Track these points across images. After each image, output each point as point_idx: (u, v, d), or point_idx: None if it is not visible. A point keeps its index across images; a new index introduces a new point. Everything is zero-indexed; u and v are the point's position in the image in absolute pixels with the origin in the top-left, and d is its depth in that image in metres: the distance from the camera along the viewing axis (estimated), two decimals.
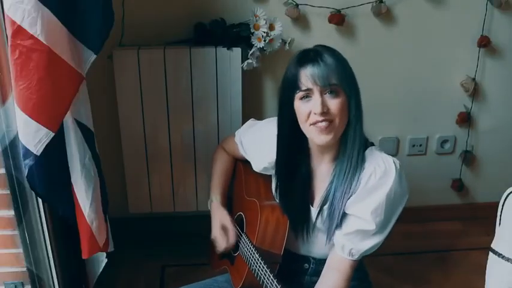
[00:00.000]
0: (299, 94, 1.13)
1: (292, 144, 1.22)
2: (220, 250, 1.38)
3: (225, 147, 1.53)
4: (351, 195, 1.17)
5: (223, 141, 1.56)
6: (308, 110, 1.13)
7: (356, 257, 1.18)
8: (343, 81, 1.12)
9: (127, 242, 1.82)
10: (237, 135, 1.45)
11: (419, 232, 2.22)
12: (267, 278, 1.18)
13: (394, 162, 1.16)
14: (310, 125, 1.14)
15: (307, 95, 1.13)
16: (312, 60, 1.11)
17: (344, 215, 1.18)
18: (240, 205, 1.44)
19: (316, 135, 1.14)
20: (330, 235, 1.22)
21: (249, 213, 1.36)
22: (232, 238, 1.36)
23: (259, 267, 1.21)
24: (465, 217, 2.29)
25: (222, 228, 1.38)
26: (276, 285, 1.14)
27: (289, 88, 1.15)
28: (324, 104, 1.11)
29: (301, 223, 1.27)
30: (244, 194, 1.41)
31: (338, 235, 1.19)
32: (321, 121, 1.12)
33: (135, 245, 2.05)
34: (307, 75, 1.11)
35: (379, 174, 1.14)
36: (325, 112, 1.11)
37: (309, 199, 1.26)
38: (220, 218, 1.40)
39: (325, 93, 1.12)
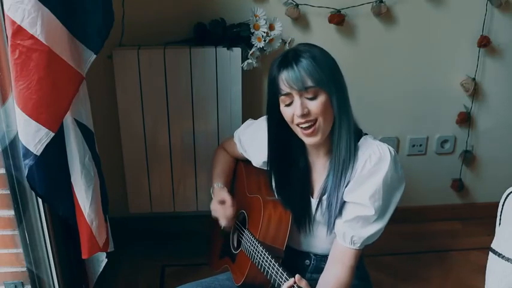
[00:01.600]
0: (282, 98, 1.17)
1: (283, 141, 1.25)
2: (223, 223, 1.38)
3: (225, 148, 1.55)
4: (347, 184, 1.19)
5: (223, 142, 1.58)
6: (292, 113, 1.16)
7: (358, 245, 1.19)
8: (320, 82, 1.13)
9: (127, 242, 1.82)
10: (236, 134, 1.48)
11: (419, 232, 2.22)
12: (272, 267, 1.19)
13: (388, 148, 1.18)
14: (297, 125, 1.17)
15: (289, 99, 1.16)
16: (287, 65, 1.14)
17: (343, 203, 1.20)
18: (242, 203, 1.44)
19: (303, 137, 1.19)
20: (330, 226, 1.23)
21: (251, 210, 1.37)
22: (228, 204, 1.36)
23: (264, 258, 1.22)
24: (465, 217, 2.29)
25: (220, 202, 1.39)
26: (281, 272, 1.16)
27: (272, 91, 1.19)
28: (303, 106, 1.14)
29: (302, 215, 1.28)
30: (246, 192, 1.42)
31: (339, 223, 1.21)
32: (304, 122, 1.15)
33: (135, 245, 2.05)
34: (283, 81, 1.15)
35: (374, 160, 1.16)
36: (305, 114, 1.14)
37: (309, 191, 1.28)
38: (220, 194, 1.40)
39: (304, 96, 1.14)
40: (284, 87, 1.15)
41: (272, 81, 1.18)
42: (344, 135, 1.18)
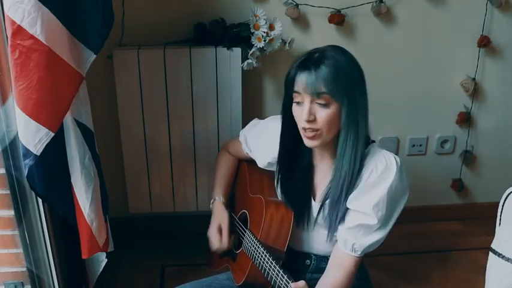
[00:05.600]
0: (294, 95, 1.17)
1: (294, 138, 1.24)
2: (213, 249, 1.41)
3: (229, 149, 1.55)
4: (351, 192, 1.18)
5: (227, 143, 1.58)
6: (300, 113, 1.16)
7: (359, 253, 1.19)
8: (335, 92, 1.12)
9: (127, 242, 1.82)
10: (241, 134, 1.47)
11: (419, 232, 2.22)
12: (273, 268, 1.19)
13: (395, 158, 1.18)
14: (301, 128, 1.18)
15: (301, 98, 1.15)
16: (307, 68, 1.13)
17: (347, 210, 1.20)
18: (244, 203, 1.44)
19: (303, 138, 1.19)
20: (331, 231, 1.23)
21: (253, 210, 1.37)
22: (224, 241, 1.39)
23: (264, 259, 1.22)
24: (465, 217, 2.29)
25: (218, 230, 1.41)
26: (282, 274, 1.16)
27: (288, 87, 1.19)
28: (311, 112, 1.14)
29: (302, 216, 1.28)
30: (249, 192, 1.42)
31: (341, 230, 1.21)
32: (308, 128, 1.15)
33: (135, 245, 2.05)
34: (299, 82, 1.14)
35: (381, 170, 1.16)
36: (311, 120, 1.14)
37: (310, 192, 1.28)
38: (219, 219, 1.42)
39: (315, 102, 1.13)
40: (298, 88, 1.14)
41: (290, 79, 1.17)
42: (348, 149, 1.17)
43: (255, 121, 1.47)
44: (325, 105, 1.13)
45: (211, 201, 1.48)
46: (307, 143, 1.19)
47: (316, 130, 1.15)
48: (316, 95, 1.12)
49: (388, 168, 1.16)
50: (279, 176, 1.31)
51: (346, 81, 1.14)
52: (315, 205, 1.26)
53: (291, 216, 1.28)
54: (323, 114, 1.14)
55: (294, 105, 1.18)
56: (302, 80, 1.13)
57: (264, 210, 1.29)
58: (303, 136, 1.19)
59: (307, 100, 1.14)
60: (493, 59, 2.04)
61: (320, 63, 1.12)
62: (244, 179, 1.49)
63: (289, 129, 1.24)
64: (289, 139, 1.25)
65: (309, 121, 1.14)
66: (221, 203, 1.45)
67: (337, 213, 1.20)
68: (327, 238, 1.25)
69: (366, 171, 1.17)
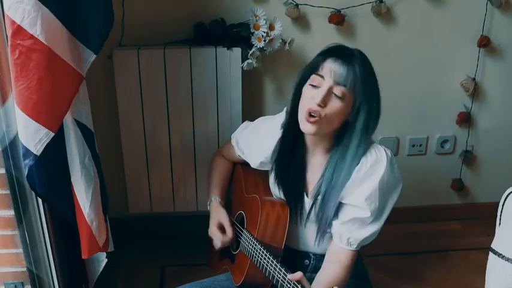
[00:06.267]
0: (313, 77, 1.16)
1: (296, 131, 1.23)
2: (217, 247, 1.40)
3: (222, 154, 1.55)
4: (343, 187, 1.19)
5: (220, 148, 1.59)
6: (311, 96, 1.15)
7: (354, 246, 1.20)
8: (358, 91, 1.13)
9: (127, 242, 1.82)
10: (233, 137, 1.48)
11: (419, 232, 2.22)
12: (270, 263, 1.19)
13: (385, 150, 1.19)
14: (305, 110, 1.16)
15: (319, 83, 1.15)
16: (342, 58, 1.14)
17: (340, 205, 1.20)
18: (240, 204, 1.45)
19: (303, 120, 1.17)
20: (321, 228, 1.23)
21: (249, 209, 1.37)
22: (229, 234, 1.38)
23: (262, 255, 1.23)
24: (465, 217, 2.29)
25: (219, 227, 1.40)
26: (279, 268, 1.16)
27: (309, 69, 1.19)
28: (325, 98, 1.13)
29: (295, 211, 1.29)
30: (244, 192, 1.43)
31: (335, 225, 1.21)
32: (314, 111, 1.14)
33: (135, 245, 2.05)
34: (329, 67, 1.14)
35: (370, 162, 1.17)
36: (321, 106, 1.13)
37: (303, 188, 1.29)
38: (218, 216, 1.42)
39: (333, 90, 1.14)
40: (323, 72, 1.15)
41: (314, 62, 1.18)
42: (354, 147, 1.18)
43: (246, 123, 1.48)
44: (340, 98, 1.14)
45: (208, 203, 1.48)
46: (305, 126, 1.17)
47: (319, 117, 1.15)
48: (340, 84, 1.13)
49: (379, 161, 1.17)
50: (275, 169, 1.31)
51: (370, 86, 1.16)
52: (308, 201, 1.27)
53: (287, 214, 1.28)
54: (334, 105, 1.14)
55: (308, 87, 1.17)
56: (334, 66, 1.13)
57: (259, 209, 1.29)
58: (302, 119, 1.17)
59: (326, 86, 1.14)
60: (493, 59, 2.04)
61: (354, 60, 1.14)
62: (239, 181, 1.49)
63: (297, 111, 1.22)
64: (295, 121, 1.22)
65: (319, 105, 1.13)
66: (218, 202, 1.45)
67: (330, 209, 1.20)
68: (316, 238, 1.25)
69: (357, 165, 1.18)
